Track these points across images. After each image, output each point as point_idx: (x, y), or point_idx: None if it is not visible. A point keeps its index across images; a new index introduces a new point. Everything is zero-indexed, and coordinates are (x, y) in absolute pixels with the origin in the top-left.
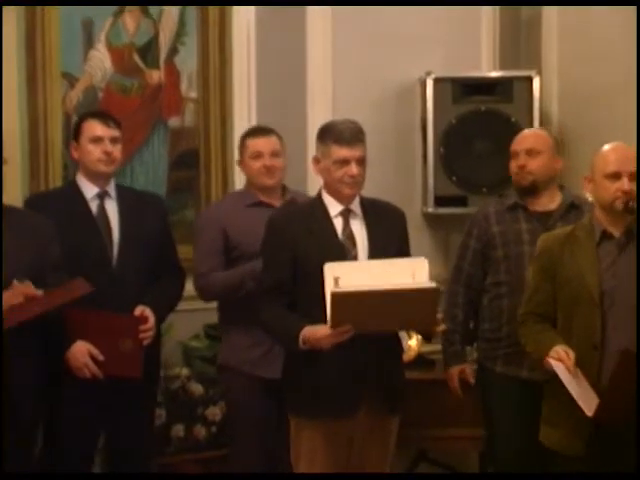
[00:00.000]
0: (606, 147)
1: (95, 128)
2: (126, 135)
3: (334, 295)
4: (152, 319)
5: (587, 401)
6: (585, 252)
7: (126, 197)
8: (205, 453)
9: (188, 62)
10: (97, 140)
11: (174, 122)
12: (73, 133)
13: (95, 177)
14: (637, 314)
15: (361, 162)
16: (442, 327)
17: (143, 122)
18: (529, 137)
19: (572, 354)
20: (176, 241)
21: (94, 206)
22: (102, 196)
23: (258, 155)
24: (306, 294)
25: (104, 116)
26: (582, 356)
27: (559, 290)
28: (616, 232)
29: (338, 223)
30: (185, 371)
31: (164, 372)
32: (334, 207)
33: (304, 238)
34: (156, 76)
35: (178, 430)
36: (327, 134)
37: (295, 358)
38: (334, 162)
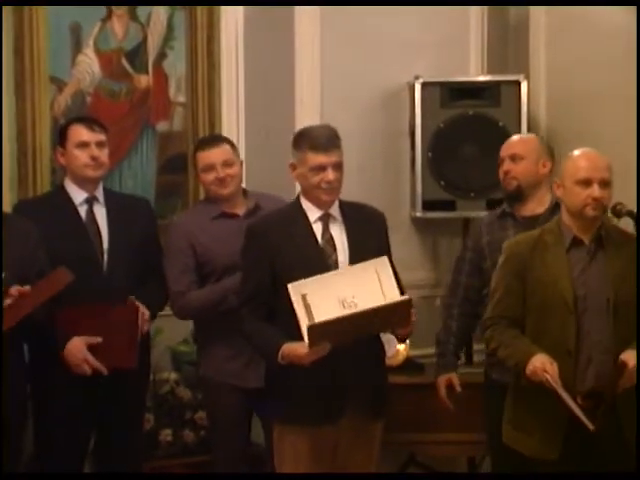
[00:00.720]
0: (576, 152)
1: (81, 133)
2: (114, 140)
3: (311, 328)
4: (146, 310)
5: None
6: (556, 258)
7: (114, 202)
8: (194, 457)
9: (177, 66)
10: (83, 145)
11: (162, 126)
12: (59, 138)
13: (83, 182)
14: (637, 314)
15: (338, 167)
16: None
17: (131, 126)
18: (513, 143)
19: (555, 365)
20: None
21: (83, 211)
22: (90, 201)
23: (210, 167)
24: (286, 302)
25: (89, 121)
26: (555, 362)
27: (529, 295)
28: (585, 238)
29: (317, 228)
30: (174, 376)
31: (152, 377)
32: (313, 212)
33: (285, 244)
34: (144, 81)
35: (166, 435)
36: (302, 140)
37: (277, 365)
38: (310, 169)
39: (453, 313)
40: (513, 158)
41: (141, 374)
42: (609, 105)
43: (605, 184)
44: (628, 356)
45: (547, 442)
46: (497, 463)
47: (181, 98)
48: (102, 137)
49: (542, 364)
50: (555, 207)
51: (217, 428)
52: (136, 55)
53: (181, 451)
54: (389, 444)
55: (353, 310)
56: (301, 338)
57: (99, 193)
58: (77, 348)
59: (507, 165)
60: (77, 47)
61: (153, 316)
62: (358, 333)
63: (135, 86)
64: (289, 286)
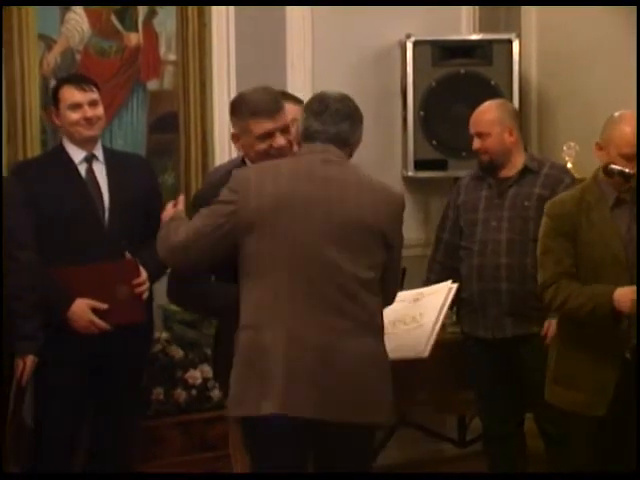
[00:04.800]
0: (625, 125)
1: (72, 94)
2: (105, 98)
3: None
4: (144, 272)
5: None
6: (601, 217)
7: (114, 159)
8: (185, 416)
9: (167, 24)
10: (76, 106)
11: (153, 85)
12: (52, 100)
13: (81, 142)
14: (637, 309)
15: (285, 131)
16: None
17: (122, 85)
18: (477, 120)
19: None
20: None
21: (82, 170)
22: (90, 159)
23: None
24: None
25: (80, 80)
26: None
27: (579, 255)
28: (627, 197)
29: None
30: (165, 335)
31: None
32: None
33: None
34: (134, 38)
35: (158, 393)
36: (243, 108)
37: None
38: (257, 137)
39: (434, 267)
40: (479, 135)
41: (145, 336)
42: (600, 63)
43: None
44: None
45: (596, 397)
46: (489, 422)
47: (171, 56)
48: (94, 95)
49: (632, 292)
50: (525, 169)
51: None
52: (126, 13)
53: (173, 410)
54: None
55: None
56: None
57: (98, 151)
58: (82, 309)
59: (476, 143)
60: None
61: (153, 279)
62: None
63: (125, 44)
64: None
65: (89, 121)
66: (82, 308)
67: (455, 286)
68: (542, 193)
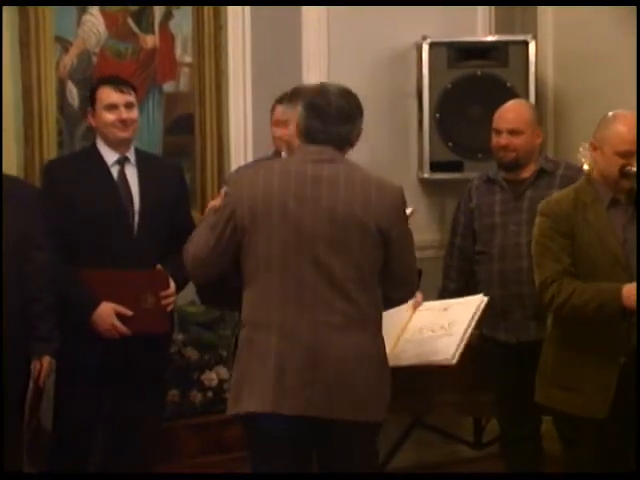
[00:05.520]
0: (619, 124)
1: (109, 95)
2: None
3: None
4: (172, 284)
5: None
6: (598, 216)
7: (146, 162)
8: (201, 418)
9: (183, 26)
10: (112, 107)
11: (169, 87)
12: (89, 100)
13: (114, 143)
14: (637, 304)
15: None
16: None
17: (138, 87)
18: (511, 117)
19: None
20: None
21: (115, 172)
22: (122, 162)
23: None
24: None
25: (117, 82)
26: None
27: (577, 255)
28: (622, 198)
29: None
30: (181, 336)
31: None
32: None
33: None
34: (151, 40)
35: (174, 395)
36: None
37: None
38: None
39: (451, 274)
40: (512, 132)
41: (165, 337)
42: (616, 64)
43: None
44: None
45: (596, 400)
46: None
47: (187, 58)
48: (130, 98)
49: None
50: (540, 172)
51: None
52: (142, 15)
53: (188, 411)
54: (396, 405)
55: None
56: None
57: (131, 154)
58: (106, 313)
59: (506, 139)
60: (82, 7)
61: (180, 287)
62: None
63: (141, 46)
64: None
65: (124, 122)
66: (107, 312)
67: (486, 299)
68: None
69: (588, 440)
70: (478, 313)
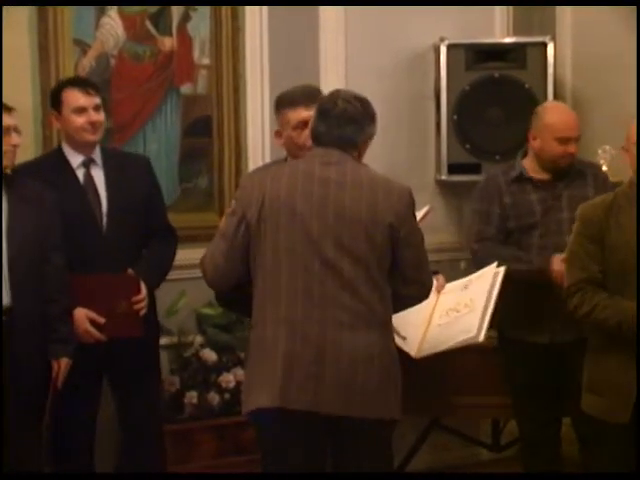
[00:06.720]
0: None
1: (77, 98)
2: (138, 102)
3: None
4: (144, 289)
5: None
6: (630, 220)
7: (112, 162)
8: (218, 420)
9: (200, 29)
10: (81, 110)
11: (187, 89)
12: (51, 102)
13: (81, 146)
14: (637, 295)
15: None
16: None
17: (155, 89)
18: (575, 124)
19: None
20: (189, 209)
21: (80, 174)
22: (88, 164)
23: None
24: None
25: (83, 83)
26: None
27: (607, 259)
28: None
29: None
30: (199, 339)
31: (177, 339)
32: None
33: None
34: (169, 43)
35: (192, 397)
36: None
37: None
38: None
39: (496, 248)
40: (577, 140)
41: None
42: (635, 66)
43: None
44: None
45: (618, 404)
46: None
47: (205, 61)
48: (97, 100)
49: None
50: (574, 170)
51: None
52: (160, 17)
53: (206, 413)
54: (413, 407)
55: None
56: None
57: (96, 155)
58: (80, 319)
59: (573, 147)
60: (101, 9)
61: (156, 285)
62: None
63: (159, 48)
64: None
65: (93, 125)
66: (80, 318)
67: (502, 270)
68: (597, 192)
69: (613, 445)
70: (496, 285)
